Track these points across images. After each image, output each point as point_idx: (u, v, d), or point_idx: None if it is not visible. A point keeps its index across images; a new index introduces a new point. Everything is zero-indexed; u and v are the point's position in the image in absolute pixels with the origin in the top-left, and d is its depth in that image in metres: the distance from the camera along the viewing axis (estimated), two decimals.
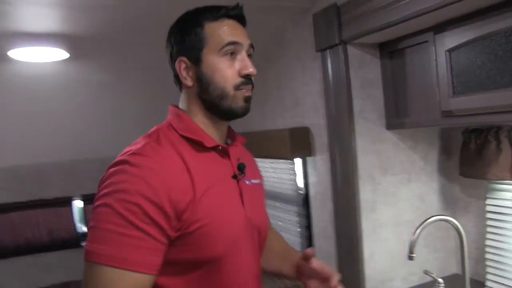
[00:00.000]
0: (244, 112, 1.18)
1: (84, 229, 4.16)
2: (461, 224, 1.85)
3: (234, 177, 1.20)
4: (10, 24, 2.22)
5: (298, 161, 2.62)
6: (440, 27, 1.73)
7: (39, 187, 3.87)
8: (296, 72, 2.54)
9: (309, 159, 2.50)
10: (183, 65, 1.17)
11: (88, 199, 4.06)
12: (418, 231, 1.74)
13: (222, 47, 1.14)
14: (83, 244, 3.94)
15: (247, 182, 1.25)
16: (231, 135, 1.31)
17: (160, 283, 1.07)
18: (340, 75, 2.09)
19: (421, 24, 1.75)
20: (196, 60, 1.16)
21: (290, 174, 2.81)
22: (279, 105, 2.79)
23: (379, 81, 2.11)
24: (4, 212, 3.80)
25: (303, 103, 2.51)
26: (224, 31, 1.16)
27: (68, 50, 2.64)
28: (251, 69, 1.17)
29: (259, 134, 2.82)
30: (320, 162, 2.37)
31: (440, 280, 1.86)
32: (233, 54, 1.16)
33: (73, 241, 4.07)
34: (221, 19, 1.17)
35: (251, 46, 1.20)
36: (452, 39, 1.69)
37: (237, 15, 1.20)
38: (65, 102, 3.34)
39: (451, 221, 1.81)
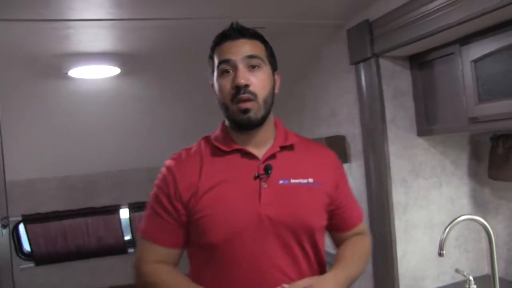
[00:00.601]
0: (248, 122, 1.31)
1: (129, 236, 4.36)
2: (491, 226, 1.94)
3: (257, 176, 1.33)
4: (71, 46, 2.47)
5: None
6: (466, 40, 1.86)
7: (89, 195, 4.09)
8: (332, 84, 2.70)
9: (345, 165, 2.64)
10: (212, 87, 1.40)
11: (134, 207, 4.23)
12: (447, 229, 1.85)
13: (217, 68, 1.34)
14: (130, 250, 4.16)
15: (280, 182, 1.34)
16: (278, 138, 1.41)
17: (190, 256, 1.42)
18: (373, 86, 2.24)
19: (447, 37, 1.89)
20: (213, 83, 1.38)
21: None
22: (316, 116, 2.94)
23: (410, 90, 2.25)
24: (57, 219, 4.04)
25: (338, 113, 2.67)
26: (219, 53, 1.34)
27: (120, 67, 2.87)
28: (239, 80, 1.28)
29: None
30: (355, 167, 2.51)
31: (471, 278, 1.96)
32: (230, 71, 1.31)
33: (120, 247, 4.26)
34: (222, 43, 1.35)
35: (250, 57, 1.31)
36: (476, 50, 1.82)
37: (232, 34, 1.34)
38: (114, 115, 3.56)
39: (479, 220, 1.91)
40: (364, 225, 1.58)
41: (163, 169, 1.38)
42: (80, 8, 2.01)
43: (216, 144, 1.38)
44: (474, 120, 1.87)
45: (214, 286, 1.32)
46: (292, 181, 1.36)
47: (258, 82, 1.31)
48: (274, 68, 1.40)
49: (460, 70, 1.90)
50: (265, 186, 1.32)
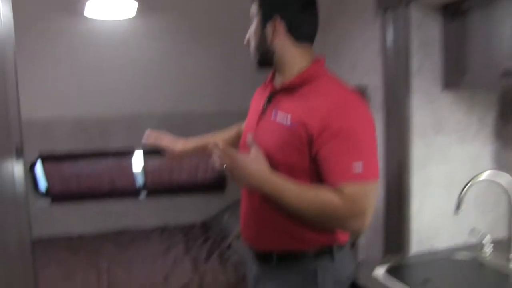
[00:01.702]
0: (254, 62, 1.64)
1: (142, 180, 4.34)
2: None
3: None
4: None
5: None
6: None
7: (103, 138, 4.04)
8: (356, 33, 2.59)
9: None
10: None
11: (147, 152, 4.17)
12: (467, 186, 1.79)
13: None
14: (142, 194, 4.16)
15: (271, 118, 1.57)
16: (294, 78, 1.55)
17: None
18: (399, 35, 2.12)
19: None
20: None
21: None
22: (337, 66, 2.83)
23: (438, 41, 2.11)
24: (72, 160, 4.05)
25: (361, 64, 2.57)
26: None
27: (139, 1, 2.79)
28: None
29: None
30: (375, 119, 2.41)
31: (488, 237, 1.90)
32: None
33: (132, 191, 4.26)
34: None
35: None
36: None
37: None
38: (131, 58, 3.52)
39: (501, 181, 1.84)
40: (347, 191, 1.40)
41: None
42: None
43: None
44: (507, 73, 1.75)
45: None
46: (278, 120, 1.53)
47: (250, 33, 1.60)
48: (267, 16, 1.52)
49: (499, 20, 1.77)
50: (264, 114, 1.62)
